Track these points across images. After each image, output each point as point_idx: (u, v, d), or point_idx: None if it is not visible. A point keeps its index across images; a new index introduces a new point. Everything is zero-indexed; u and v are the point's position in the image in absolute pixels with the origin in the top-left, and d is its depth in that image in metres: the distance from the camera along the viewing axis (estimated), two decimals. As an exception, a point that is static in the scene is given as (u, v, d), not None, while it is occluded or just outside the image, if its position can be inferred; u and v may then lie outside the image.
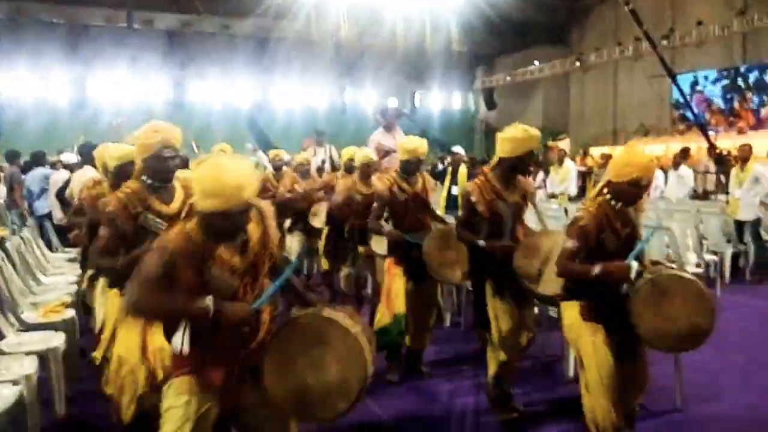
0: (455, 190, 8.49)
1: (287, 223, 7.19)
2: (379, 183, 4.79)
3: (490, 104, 25.59)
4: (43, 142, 18.56)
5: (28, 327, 4.47)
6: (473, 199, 3.89)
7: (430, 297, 4.71)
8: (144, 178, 3.24)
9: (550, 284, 3.63)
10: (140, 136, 3.20)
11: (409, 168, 4.71)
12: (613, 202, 3.10)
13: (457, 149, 9.33)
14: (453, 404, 4.39)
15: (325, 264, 6.47)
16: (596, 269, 3.00)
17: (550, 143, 17.14)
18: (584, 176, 14.47)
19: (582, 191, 13.29)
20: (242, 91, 31.33)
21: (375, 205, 4.77)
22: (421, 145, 4.72)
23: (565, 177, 10.96)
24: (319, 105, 31.24)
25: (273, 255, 2.39)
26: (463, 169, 8.72)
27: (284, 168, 7.64)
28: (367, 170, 5.87)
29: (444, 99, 30.54)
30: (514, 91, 27.06)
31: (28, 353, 3.83)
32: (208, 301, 2.11)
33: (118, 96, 29.03)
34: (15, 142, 17.57)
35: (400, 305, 4.56)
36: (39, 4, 25.74)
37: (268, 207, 2.47)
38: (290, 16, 23.69)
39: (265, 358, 2.25)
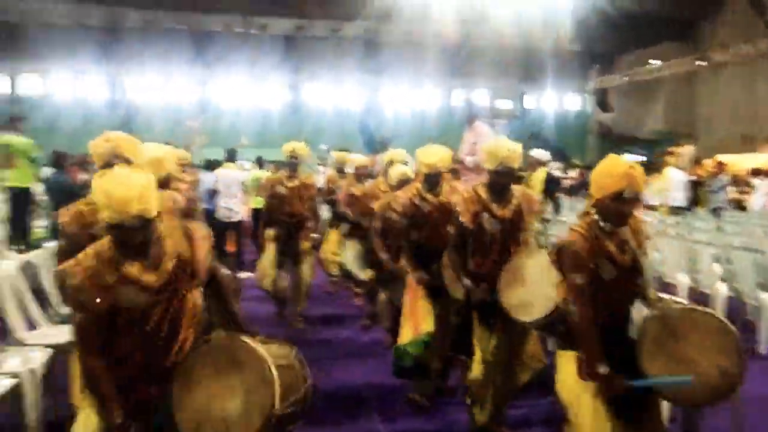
0: (528, 199, 7.91)
1: (343, 228, 7.03)
2: (401, 195, 4.49)
3: (604, 106, 24.15)
4: (169, 142, 19.67)
5: (63, 320, 4.59)
6: (458, 209, 3.58)
7: (450, 316, 4.32)
8: None
9: (532, 309, 3.21)
10: (93, 144, 3.18)
11: (431, 182, 4.37)
12: (602, 223, 2.67)
13: (536, 153, 8.64)
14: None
15: (368, 273, 6.21)
16: (601, 369, 2.53)
17: (673, 149, 15.66)
18: (695, 186, 13.09)
19: (694, 203, 12.07)
20: (353, 93, 31.93)
21: (402, 222, 4.47)
22: (441, 158, 4.35)
23: (664, 187, 9.93)
24: (428, 107, 31.09)
25: (196, 275, 2.32)
26: (539, 175, 8.04)
27: (347, 170, 7.50)
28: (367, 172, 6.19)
29: (558, 100, 29.29)
30: (633, 92, 25.33)
31: (47, 346, 3.90)
32: (119, 419, 2.14)
33: (237, 99, 30.71)
34: (144, 141, 18.93)
35: (428, 324, 4.27)
36: (167, 13, 27.68)
37: (196, 227, 2.42)
38: (397, 18, 23.70)
39: (175, 378, 2.21)
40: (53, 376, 3.89)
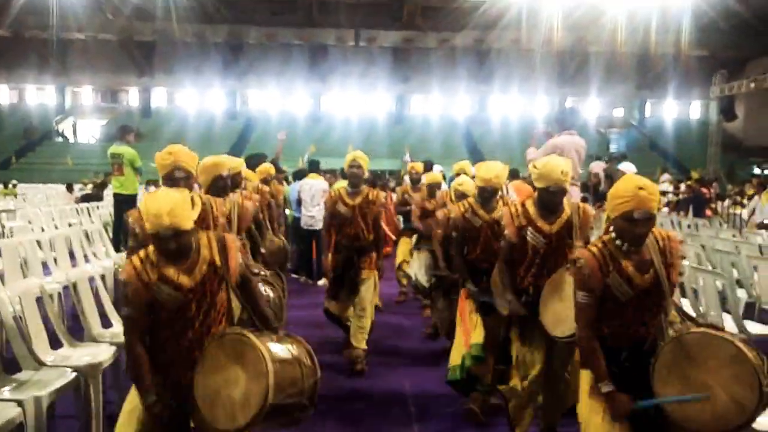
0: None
1: (414, 239, 7.02)
2: (454, 209, 4.43)
3: (729, 114, 22.30)
4: (284, 152, 20.55)
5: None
6: (503, 222, 3.49)
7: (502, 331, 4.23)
8: None
9: (564, 324, 3.06)
10: (158, 156, 3.43)
11: (485, 196, 4.28)
12: (618, 242, 2.57)
13: (624, 166, 8.08)
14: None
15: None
16: (604, 387, 2.52)
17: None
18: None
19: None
20: (460, 102, 31.87)
21: (453, 234, 4.43)
22: (498, 174, 4.24)
23: (776, 203, 8.99)
24: (538, 115, 30.36)
25: (226, 281, 2.62)
26: None
27: (422, 181, 7.46)
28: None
29: (681, 108, 27.52)
30: (764, 99, 23.21)
31: (113, 344, 4.18)
32: (151, 398, 2.51)
33: (347, 110, 31.66)
34: (260, 151, 19.94)
35: (477, 335, 4.21)
36: (284, 29, 29.11)
37: (231, 239, 2.72)
38: (505, 26, 23.33)
39: (197, 365, 2.54)
40: (118, 373, 4.16)
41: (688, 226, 10.39)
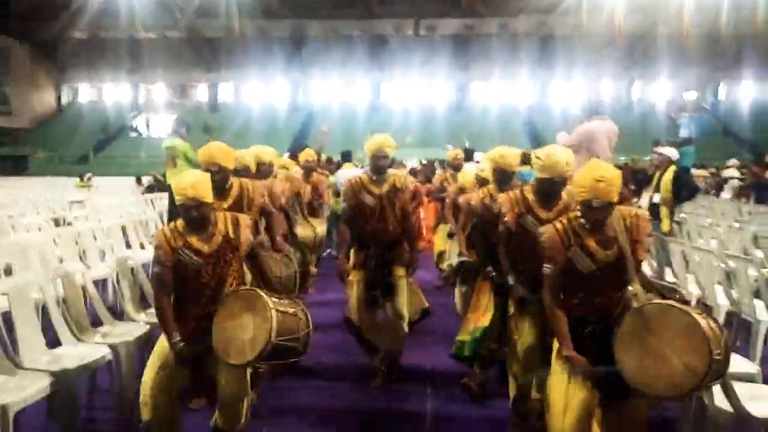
0: (657, 199, 7.16)
1: (450, 227, 7.07)
2: (474, 195, 4.47)
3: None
4: (343, 142, 20.61)
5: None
6: (502, 210, 3.56)
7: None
8: None
9: None
10: (199, 152, 3.88)
11: (500, 180, 4.30)
12: (582, 220, 2.77)
13: (666, 150, 7.73)
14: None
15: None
16: (565, 350, 2.75)
17: None
18: None
19: None
20: (522, 90, 31.39)
21: (474, 221, 4.49)
22: (503, 155, 4.25)
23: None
24: (605, 100, 29.43)
25: (238, 251, 3.13)
26: (668, 175, 7.22)
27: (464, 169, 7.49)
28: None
29: (756, 90, 26.04)
30: None
31: (149, 323, 4.49)
32: (176, 338, 3.00)
33: (406, 100, 31.87)
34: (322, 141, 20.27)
35: (485, 320, 4.27)
36: (345, 21, 29.51)
37: (243, 218, 3.23)
38: (567, 9, 22.71)
39: (215, 316, 3.07)
40: (151, 351, 4.48)
41: (749, 213, 9.94)
